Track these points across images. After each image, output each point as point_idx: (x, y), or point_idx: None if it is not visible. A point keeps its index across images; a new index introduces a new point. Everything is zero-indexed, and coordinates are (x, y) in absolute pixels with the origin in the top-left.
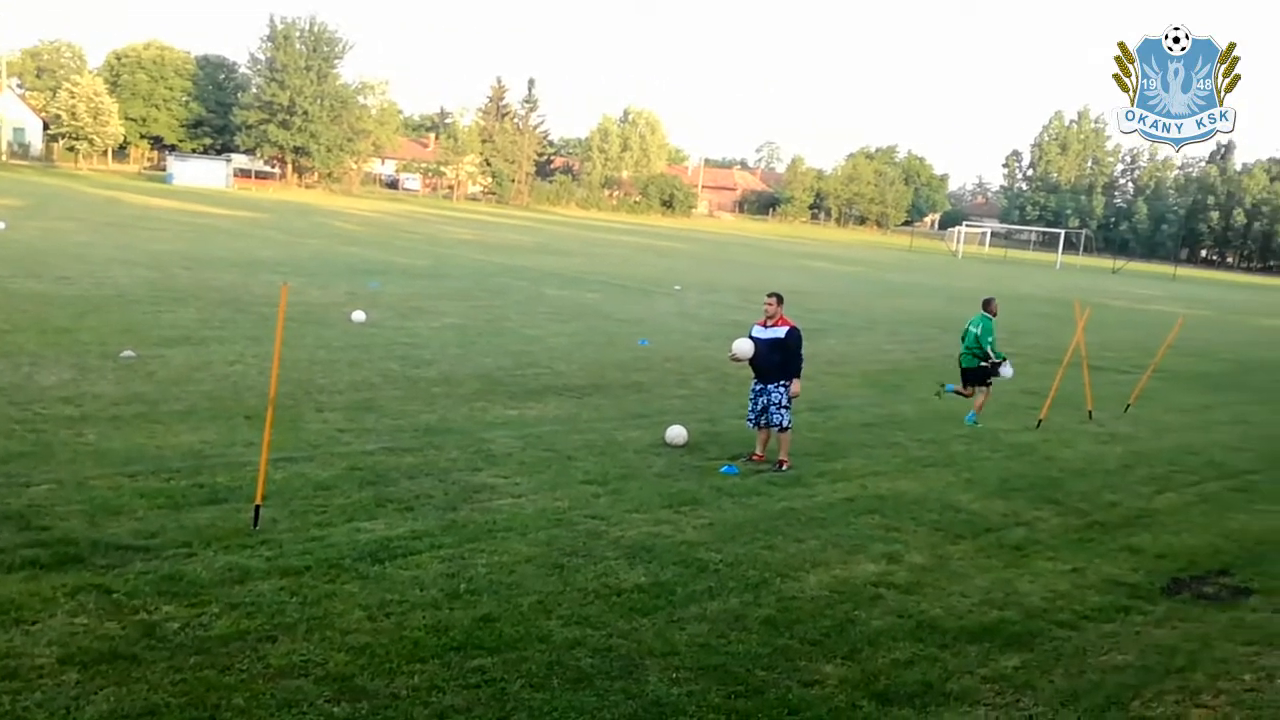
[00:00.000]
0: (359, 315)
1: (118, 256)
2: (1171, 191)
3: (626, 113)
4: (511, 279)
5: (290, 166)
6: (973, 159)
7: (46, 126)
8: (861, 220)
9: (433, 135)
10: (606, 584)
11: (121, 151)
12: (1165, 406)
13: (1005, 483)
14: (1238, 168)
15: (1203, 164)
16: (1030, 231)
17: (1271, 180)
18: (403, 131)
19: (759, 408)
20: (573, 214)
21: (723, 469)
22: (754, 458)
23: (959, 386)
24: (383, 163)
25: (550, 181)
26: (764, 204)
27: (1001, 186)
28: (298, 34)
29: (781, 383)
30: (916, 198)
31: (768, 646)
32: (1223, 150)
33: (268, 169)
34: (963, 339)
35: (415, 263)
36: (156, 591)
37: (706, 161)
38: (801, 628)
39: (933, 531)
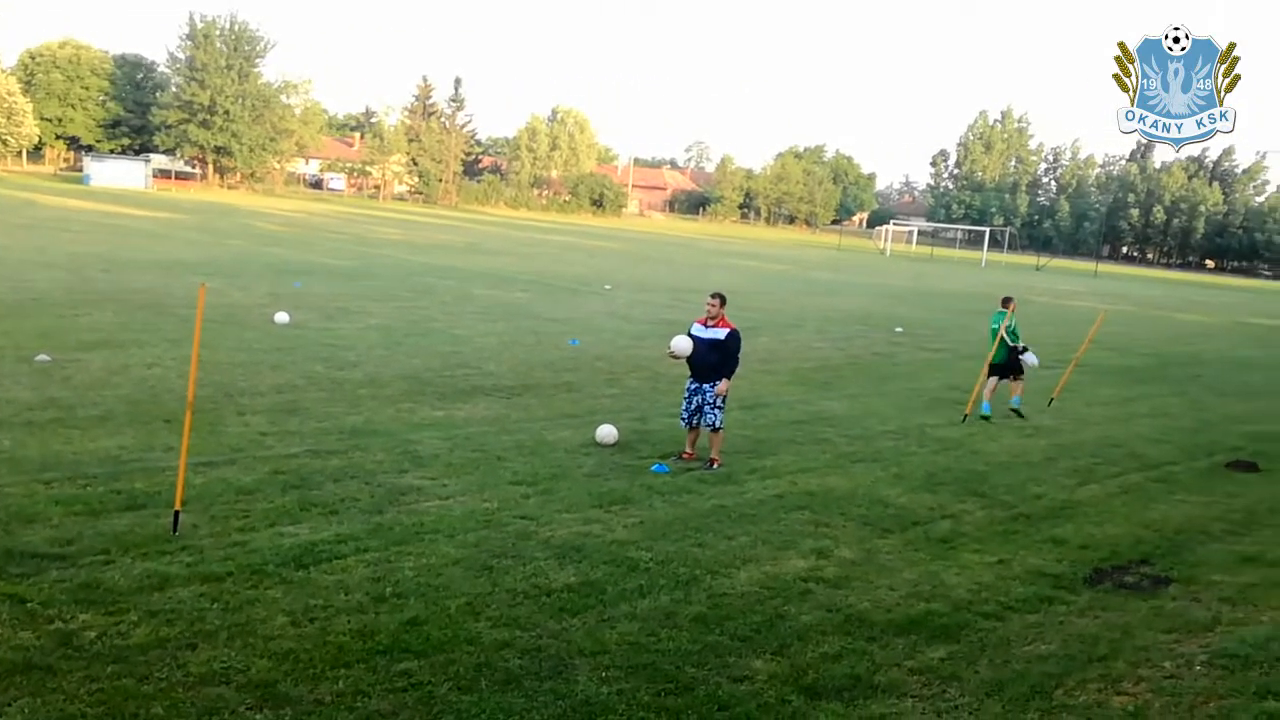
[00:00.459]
0: (282, 316)
1: (34, 259)
2: (1093, 190)
3: (555, 112)
4: (439, 279)
5: (211, 167)
6: (899, 159)
7: None
8: (791, 219)
9: (358, 135)
10: (536, 584)
11: (37, 152)
12: (1088, 400)
13: (932, 477)
14: (1156, 166)
15: (1123, 162)
16: (956, 230)
17: (1189, 178)
18: (327, 131)
19: (693, 407)
20: (501, 213)
21: (653, 468)
22: (684, 456)
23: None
24: (307, 162)
25: (478, 181)
26: (694, 203)
27: (928, 185)
28: (218, 33)
29: (716, 383)
30: (845, 197)
31: (698, 643)
32: (1141, 148)
33: (188, 169)
34: (991, 337)
35: (340, 263)
36: (73, 600)
37: (636, 161)
38: (732, 624)
39: (861, 526)
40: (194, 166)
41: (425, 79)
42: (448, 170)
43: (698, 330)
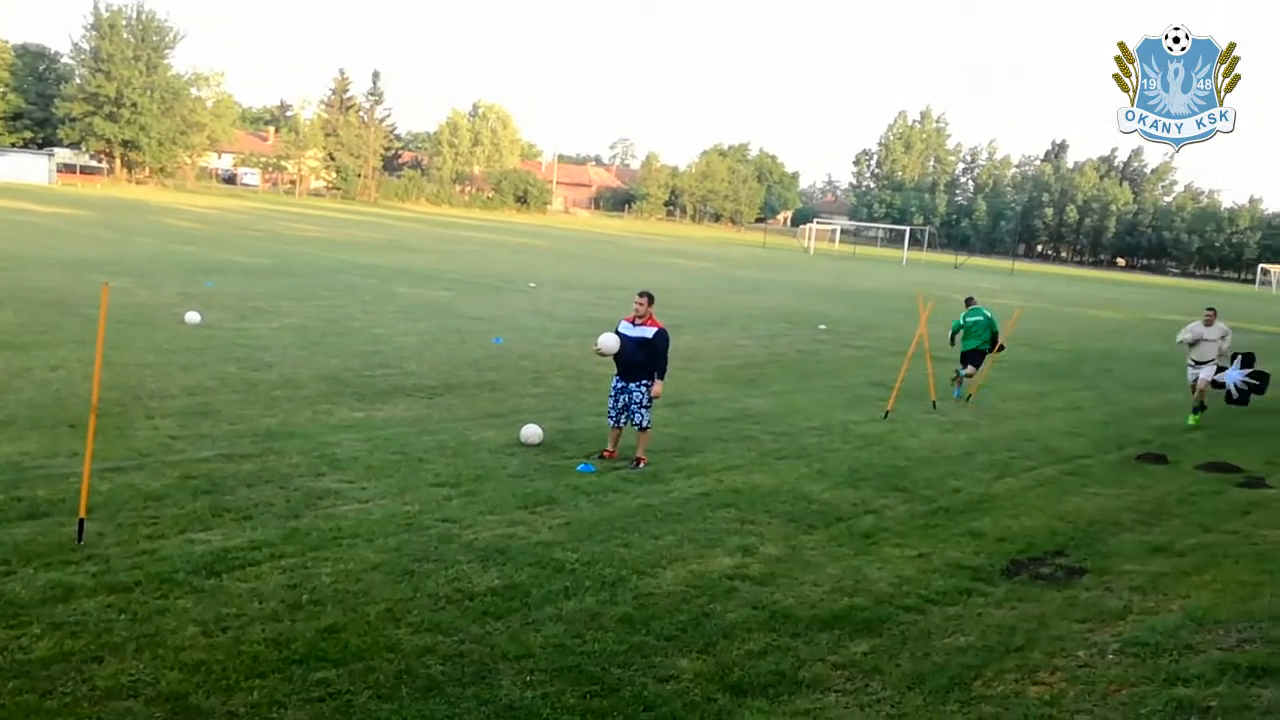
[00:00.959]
0: (193, 316)
1: None
2: (1009, 189)
3: (476, 107)
4: (358, 277)
5: (119, 161)
6: (823, 158)
7: None
8: (716, 217)
9: (273, 129)
10: (458, 589)
11: None
12: (1004, 395)
13: (855, 472)
14: (1069, 166)
15: (1038, 162)
16: (878, 228)
17: (1101, 178)
18: (240, 125)
19: (620, 406)
20: (423, 210)
21: (579, 467)
22: (605, 454)
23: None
24: (219, 157)
25: (399, 177)
26: (619, 200)
27: (851, 184)
28: (124, 23)
29: (644, 381)
30: (769, 195)
31: (624, 644)
32: (1056, 149)
33: (95, 164)
34: (966, 331)
35: (255, 261)
36: None
37: (560, 157)
38: (658, 623)
39: (786, 523)
40: (101, 161)
41: (342, 72)
42: (367, 166)
43: (625, 328)
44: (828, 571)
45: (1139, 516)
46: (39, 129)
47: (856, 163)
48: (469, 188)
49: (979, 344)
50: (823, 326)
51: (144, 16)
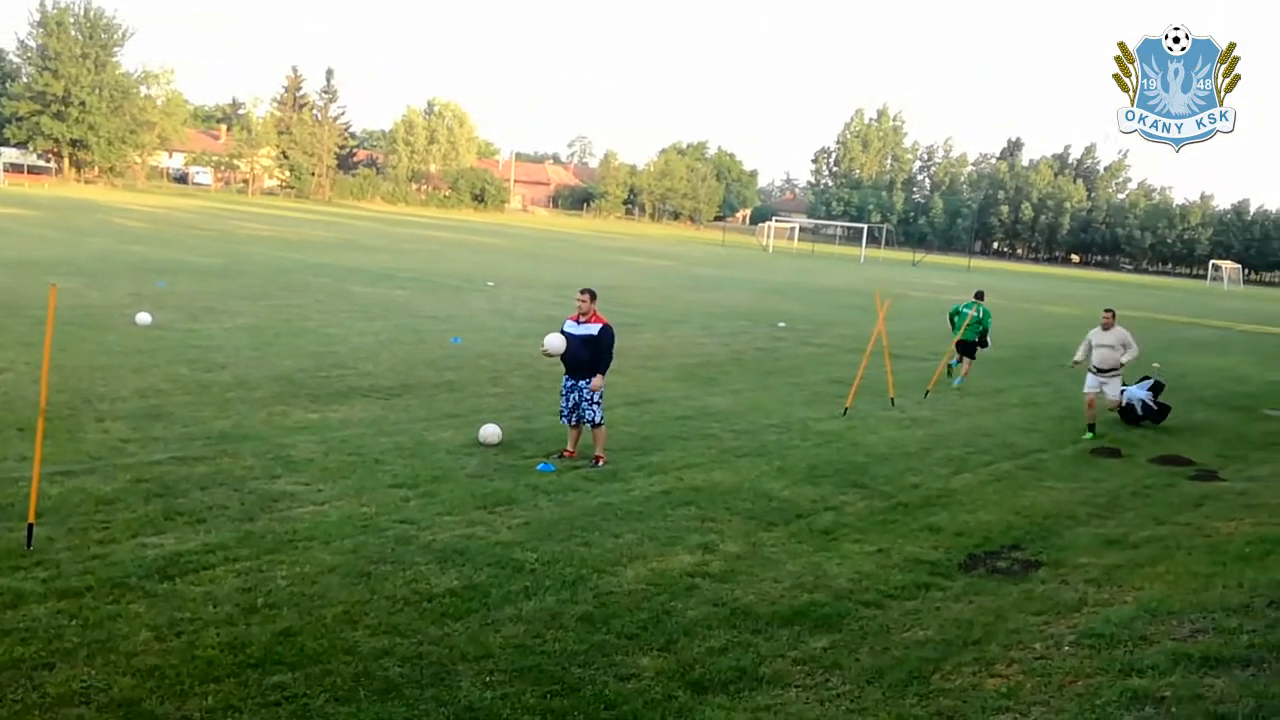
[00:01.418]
0: (144, 317)
1: None
2: (965, 187)
3: (432, 104)
4: (313, 276)
5: (67, 160)
6: (781, 156)
7: None
8: (675, 216)
9: (224, 127)
10: (417, 590)
11: None
12: (961, 391)
13: (814, 469)
14: (1025, 163)
15: (993, 160)
16: (836, 226)
17: (1055, 175)
18: (191, 123)
19: (571, 404)
20: (379, 209)
21: (539, 467)
22: (565, 454)
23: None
24: (170, 156)
25: (353, 175)
26: (578, 199)
27: (809, 183)
28: (72, 20)
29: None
30: (728, 193)
31: (584, 643)
32: (1011, 146)
33: (42, 164)
34: (960, 321)
35: (207, 261)
36: None
37: (518, 156)
38: (618, 622)
39: (746, 520)
40: (48, 160)
41: (295, 70)
42: (321, 164)
43: (570, 327)
44: (788, 568)
45: (1093, 510)
46: None
47: (815, 161)
48: (425, 186)
49: (969, 336)
50: (782, 324)
51: (92, 14)
